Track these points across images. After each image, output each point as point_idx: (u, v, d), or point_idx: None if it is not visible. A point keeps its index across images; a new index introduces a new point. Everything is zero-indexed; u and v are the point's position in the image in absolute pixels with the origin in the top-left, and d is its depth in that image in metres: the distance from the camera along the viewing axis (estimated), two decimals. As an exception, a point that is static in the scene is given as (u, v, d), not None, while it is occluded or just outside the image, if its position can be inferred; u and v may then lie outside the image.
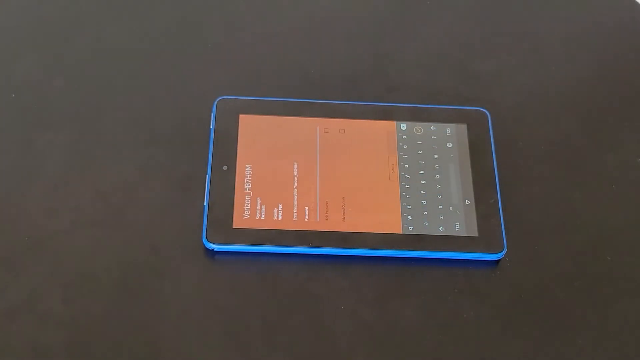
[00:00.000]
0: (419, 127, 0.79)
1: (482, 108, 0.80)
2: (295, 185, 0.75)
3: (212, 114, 0.78)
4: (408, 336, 0.71)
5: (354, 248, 0.73)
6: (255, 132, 0.77)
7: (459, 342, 0.71)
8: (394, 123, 0.79)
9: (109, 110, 0.79)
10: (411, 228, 0.74)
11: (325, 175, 0.76)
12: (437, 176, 0.77)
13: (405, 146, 0.78)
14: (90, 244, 0.73)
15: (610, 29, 0.82)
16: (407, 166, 0.77)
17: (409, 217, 0.74)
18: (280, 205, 0.74)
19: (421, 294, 0.73)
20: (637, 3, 0.88)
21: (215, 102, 0.78)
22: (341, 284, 0.73)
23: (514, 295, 0.73)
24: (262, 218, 0.74)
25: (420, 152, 0.78)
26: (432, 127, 0.79)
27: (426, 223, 0.74)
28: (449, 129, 0.79)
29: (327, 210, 0.74)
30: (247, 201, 0.74)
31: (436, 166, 0.77)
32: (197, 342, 0.70)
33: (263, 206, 0.74)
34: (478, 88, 0.82)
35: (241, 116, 0.78)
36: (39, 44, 0.83)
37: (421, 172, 0.77)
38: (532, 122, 0.81)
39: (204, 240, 0.73)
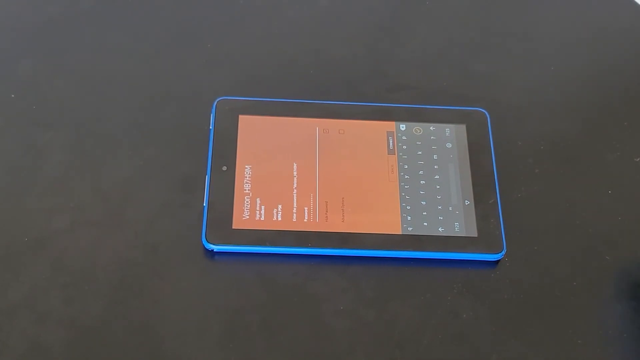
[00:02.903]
0: (418, 128, 0.79)
1: (482, 108, 0.80)
2: (295, 185, 0.75)
3: (211, 115, 0.78)
4: (408, 336, 0.71)
5: (353, 248, 0.73)
6: (255, 132, 0.78)
7: (458, 342, 0.71)
8: (393, 123, 0.79)
9: (109, 110, 0.79)
10: (410, 228, 0.74)
11: (325, 176, 0.76)
12: (437, 177, 0.77)
13: (404, 147, 0.78)
14: (90, 244, 0.73)
15: (610, 29, 0.82)
16: (406, 167, 0.77)
17: (409, 218, 0.74)
18: (280, 206, 0.74)
19: (420, 294, 0.73)
20: (636, 3, 0.88)
21: (215, 103, 0.79)
22: (341, 284, 0.73)
23: (514, 296, 0.73)
24: (262, 219, 0.74)
25: (420, 153, 0.78)
26: (431, 128, 0.79)
27: (425, 223, 0.74)
28: (448, 129, 0.79)
29: (327, 211, 0.74)
30: (247, 202, 0.74)
31: (435, 167, 0.77)
32: (197, 342, 0.70)
33: (262, 207, 0.74)
34: (477, 88, 0.82)
35: (241, 117, 0.78)
36: (39, 44, 0.83)
37: (420, 172, 0.77)
38: (531, 122, 0.81)
39: (204, 241, 0.73)
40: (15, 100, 0.79)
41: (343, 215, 0.74)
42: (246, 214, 0.74)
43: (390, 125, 0.79)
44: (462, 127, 0.79)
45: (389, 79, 0.82)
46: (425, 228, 0.74)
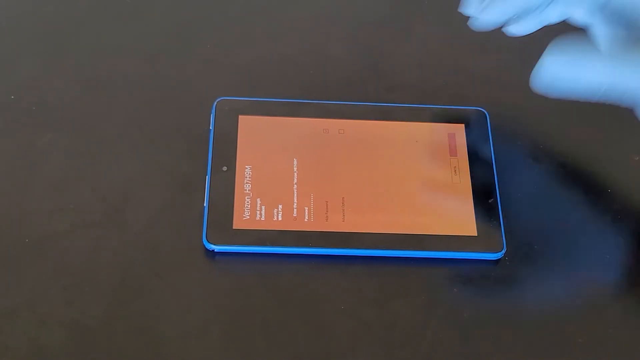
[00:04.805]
0: (418, 127, 0.79)
1: (481, 108, 0.80)
2: (295, 185, 0.75)
3: (211, 115, 0.78)
4: (408, 336, 0.71)
5: (354, 248, 0.73)
6: (255, 132, 0.78)
7: (458, 342, 0.71)
8: (393, 123, 0.79)
9: (109, 111, 0.79)
10: (411, 228, 0.74)
11: (325, 176, 0.76)
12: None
13: (404, 146, 0.78)
14: (91, 245, 0.73)
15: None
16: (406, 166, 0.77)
17: (409, 217, 0.74)
18: (280, 206, 0.74)
19: (421, 294, 0.73)
20: (636, 2, 0.87)
21: (215, 103, 0.79)
22: (341, 284, 0.73)
23: (514, 295, 0.73)
24: (262, 219, 0.74)
25: (420, 152, 0.78)
26: (431, 127, 0.79)
27: (426, 223, 0.74)
28: (448, 129, 0.79)
29: (327, 211, 0.74)
30: (247, 202, 0.74)
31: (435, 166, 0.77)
32: (197, 342, 0.70)
33: (263, 207, 0.74)
34: (477, 87, 0.82)
35: (241, 117, 0.78)
36: (39, 44, 0.83)
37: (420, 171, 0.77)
38: (530, 121, 0.81)
39: (204, 241, 0.73)
40: (15, 101, 0.79)
41: (343, 215, 0.74)
42: (247, 214, 0.74)
43: (389, 124, 0.79)
44: (462, 127, 0.79)
45: (388, 79, 0.82)
46: (425, 227, 0.74)
